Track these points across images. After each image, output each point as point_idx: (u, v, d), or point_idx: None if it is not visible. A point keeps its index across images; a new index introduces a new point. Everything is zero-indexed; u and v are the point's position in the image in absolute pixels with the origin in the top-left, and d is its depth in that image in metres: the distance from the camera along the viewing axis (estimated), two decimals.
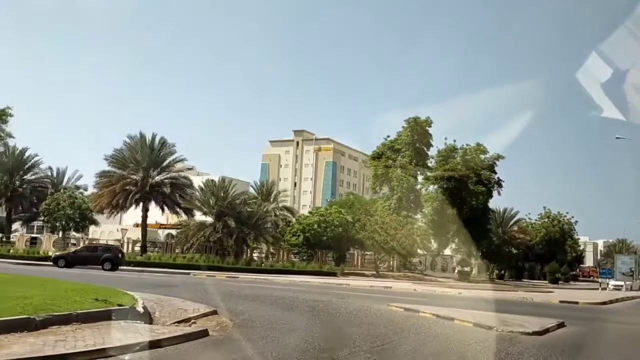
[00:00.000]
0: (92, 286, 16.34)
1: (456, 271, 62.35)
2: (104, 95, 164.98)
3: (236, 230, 47.95)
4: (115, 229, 65.12)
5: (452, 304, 20.65)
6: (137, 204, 51.24)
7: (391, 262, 59.41)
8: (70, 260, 38.24)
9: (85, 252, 39.98)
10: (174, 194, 51.58)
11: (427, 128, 60.77)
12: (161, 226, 63.62)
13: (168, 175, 53.30)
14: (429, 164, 63.89)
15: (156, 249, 53.92)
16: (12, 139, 71.62)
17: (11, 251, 44.92)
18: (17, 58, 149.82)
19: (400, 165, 59.43)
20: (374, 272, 53.11)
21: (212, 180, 51.36)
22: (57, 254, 41.63)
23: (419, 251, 58.75)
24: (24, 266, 34.54)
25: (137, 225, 63.78)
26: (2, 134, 71.34)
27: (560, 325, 15.73)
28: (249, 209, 49.59)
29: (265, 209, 51.31)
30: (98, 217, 58.88)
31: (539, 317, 16.99)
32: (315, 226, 50.70)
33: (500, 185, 66.91)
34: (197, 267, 42.62)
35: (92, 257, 38.50)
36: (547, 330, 14.41)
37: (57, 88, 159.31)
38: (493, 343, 12.35)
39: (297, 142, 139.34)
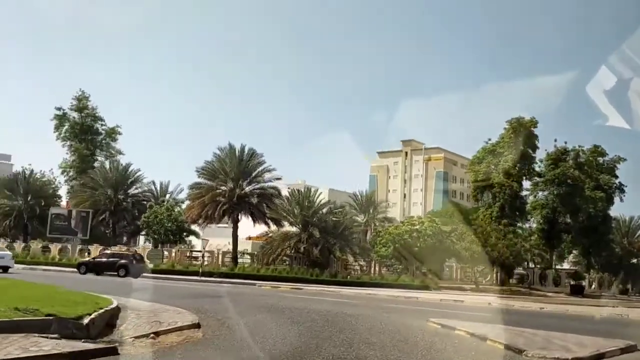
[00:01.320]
0: (63, 292, 15.21)
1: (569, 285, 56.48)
2: (197, 110, 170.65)
3: (321, 240, 46.26)
4: (227, 241, 65.37)
5: (511, 321, 17.40)
6: (226, 215, 51.04)
7: (493, 276, 54.86)
8: (90, 267, 39.64)
9: (103, 259, 40.83)
10: (261, 204, 50.90)
11: (532, 129, 55.85)
12: (250, 238, 63.32)
13: (257, 186, 52.83)
14: (537, 168, 58.84)
15: (246, 259, 53.32)
16: (122, 155, 75.85)
17: None
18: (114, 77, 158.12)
19: (503, 171, 54.97)
20: (473, 286, 49.15)
21: (298, 190, 50.03)
22: (80, 261, 43.09)
23: (528, 264, 54.05)
24: (72, 274, 35.02)
25: (249, 237, 64.14)
26: (112, 151, 75.58)
27: (629, 349, 12.24)
28: (334, 219, 47.72)
29: (350, 218, 49.03)
30: (206, 229, 59.47)
31: (610, 339, 13.48)
32: (406, 236, 47.78)
33: (622, 191, 60.40)
34: (279, 279, 41.57)
35: (109, 263, 39.28)
36: (600, 356, 11.14)
37: (155, 105, 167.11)
38: None
39: (406, 152, 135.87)
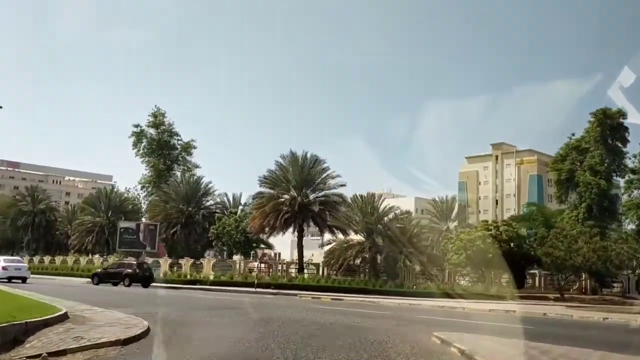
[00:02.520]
0: (21, 301, 13.92)
1: None
2: (261, 118, 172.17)
3: (384, 248, 43.65)
4: (311, 252, 64.10)
5: (547, 334, 14.36)
6: (289, 225, 49.52)
7: (583, 283, 49.69)
8: (101, 277, 41.43)
9: (112, 270, 42.45)
10: (324, 212, 48.97)
11: (620, 120, 50.36)
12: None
13: (321, 194, 51.07)
14: (630, 164, 53.09)
15: (311, 270, 51.43)
16: (199, 168, 76.73)
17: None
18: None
19: (589, 168, 49.90)
20: (558, 295, 44.54)
21: (361, 196, 47.57)
22: (94, 271, 45.09)
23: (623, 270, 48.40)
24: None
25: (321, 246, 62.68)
26: (189, 165, 76.60)
27: None
28: (398, 225, 44.95)
29: (418, 224, 45.97)
30: (285, 240, 58.35)
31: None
32: (478, 242, 44.08)
33: None
34: (337, 290, 39.46)
35: (117, 273, 40.65)
36: None
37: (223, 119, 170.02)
38: None
39: (496, 157, 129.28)
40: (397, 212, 46.78)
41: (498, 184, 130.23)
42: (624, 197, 55.29)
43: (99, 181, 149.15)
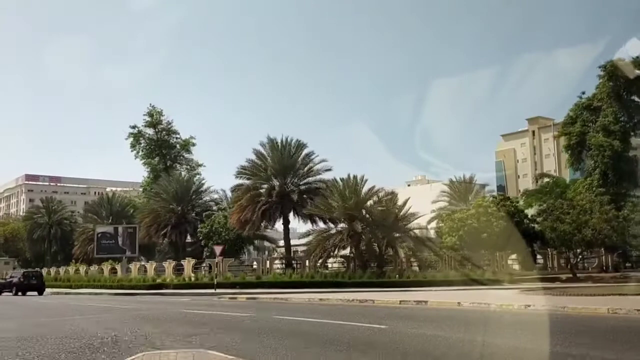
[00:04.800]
0: None
1: None
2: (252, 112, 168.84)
3: (366, 236, 39.09)
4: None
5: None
6: (267, 217, 45.49)
7: (603, 260, 43.66)
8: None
9: (2, 280, 44.72)
10: (305, 201, 44.72)
11: (636, 71, 44.06)
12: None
13: (305, 181, 46.93)
14: None
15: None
16: (202, 167, 73.65)
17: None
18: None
19: (602, 128, 43.89)
20: (570, 275, 38.90)
21: (341, 179, 43.03)
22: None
23: None
24: None
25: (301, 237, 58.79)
26: (191, 164, 73.58)
27: None
28: (379, 208, 40.28)
29: (403, 205, 40.99)
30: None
31: None
32: (470, 221, 39.01)
33: None
34: (308, 285, 35.31)
35: (6, 284, 41.80)
36: None
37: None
38: None
39: (533, 132, 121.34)
40: (380, 194, 41.86)
41: (537, 161, 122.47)
42: None
43: (137, 188, 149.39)
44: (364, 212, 40.96)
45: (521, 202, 48.57)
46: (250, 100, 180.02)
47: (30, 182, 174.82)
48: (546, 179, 56.77)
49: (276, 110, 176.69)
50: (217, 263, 40.02)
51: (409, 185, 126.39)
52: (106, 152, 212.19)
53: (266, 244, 59.40)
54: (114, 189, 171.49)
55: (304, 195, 45.48)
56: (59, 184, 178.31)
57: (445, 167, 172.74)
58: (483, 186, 73.95)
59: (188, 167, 72.08)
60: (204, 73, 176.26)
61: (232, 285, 36.96)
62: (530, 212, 44.85)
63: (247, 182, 46.80)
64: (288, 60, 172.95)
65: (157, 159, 70.03)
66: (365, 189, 41.78)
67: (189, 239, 59.68)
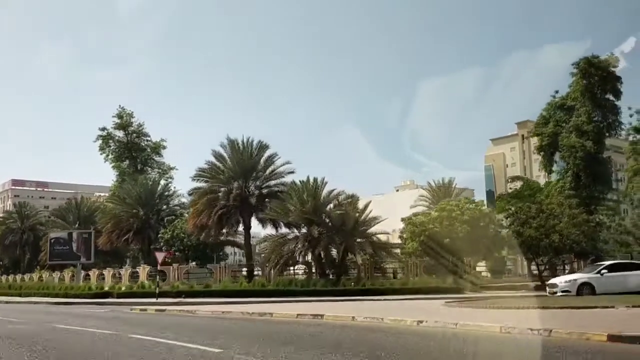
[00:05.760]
0: None
1: None
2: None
3: (323, 240, 36.93)
4: None
5: None
6: (224, 222, 43.29)
7: (575, 266, 41.50)
8: None
9: None
10: (265, 205, 42.56)
11: (610, 69, 42.08)
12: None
13: (266, 184, 44.83)
14: (634, 122, 44.67)
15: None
16: (174, 170, 71.40)
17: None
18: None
19: (575, 128, 41.85)
20: (539, 283, 36.77)
21: (301, 181, 40.95)
22: None
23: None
24: None
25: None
26: (163, 168, 71.37)
27: None
28: (338, 212, 38.20)
29: (364, 209, 38.92)
30: None
31: None
32: (431, 225, 36.92)
33: None
34: (255, 294, 33.35)
35: None
36: None
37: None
38: None
39: (522, 136, 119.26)
40: (340, 197, 39.76)
41: (527, 165, 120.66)
42: (629, 162, 46.71)
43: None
44: (323, 216, 38.94)
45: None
46: (234, 103, 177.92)
47: (16, 187, 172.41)
48: (520, 183, 54.47)
49: (261, 112, 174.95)
50: (160, 271, 37.81)
51: (397, 190, 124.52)
52: (93, 157, 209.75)
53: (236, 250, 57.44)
54: (101, 194, 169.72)
55: (266, 199, 43.38)
56: (45, 189, 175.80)
57: (439, 168, 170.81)
58: (463, 189, 72.19)
59: (160, 170, 69.97)
60: (190, 76, 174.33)
61: (178, 294, 34.81)
62: (501, 216, 42.90)
63: (204, 185, 44.61)
64: (275, 63, 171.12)
65: (127, 162, 67.96)
66: (325, 192, 39.83)
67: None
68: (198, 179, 44.97)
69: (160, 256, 36.25)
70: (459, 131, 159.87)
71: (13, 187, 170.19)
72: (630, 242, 37.51)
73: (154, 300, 32.95)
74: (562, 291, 26.76)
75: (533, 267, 40.44)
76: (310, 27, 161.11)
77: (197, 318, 21.53)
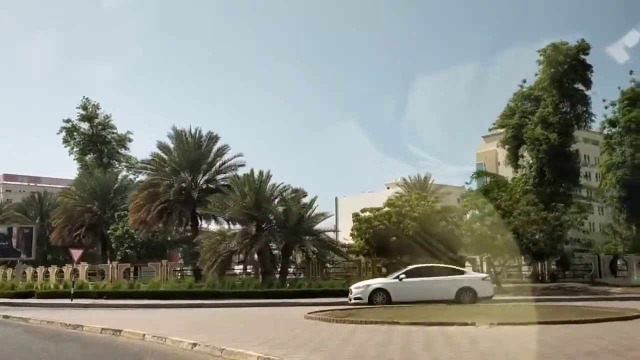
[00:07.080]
0: None
1: None
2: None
3: (261, 238, 34.22)
4: None
5: None
6: (164, 217, 40.71)
7: (539, 267, 38.65)
8: None
9: None
10: (207, 200, 39.88)
11: (580, 57, 39.11)
12: None
13: (215, 178, 42.32)
14: (609, 115, 41.78)
15: None
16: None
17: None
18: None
19: (541, 120, 38.95)
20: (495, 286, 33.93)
21: (244, 174, 38.29)
22: None
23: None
24: None
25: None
26: (131, 162, 68.79)
27: None
28: (280, 207, 35.52)
29: (310, 204, 36.14)
30: None
31: None
32: (377, 222, 34.14)
33: None
34: (187, 296, 30.98)
35: None
36: None
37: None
38: None
39: None
40: (285, 192, 37.02)
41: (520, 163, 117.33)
42: (604, 157, 43.79)
43: None
44: (267, 212, 36.22)
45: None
46: (218, 98, 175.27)
47: (8, 182, 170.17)
48: (488, 179, 51.57)
49: (255, 109, 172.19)
50: (74, 269, 35.20)
51: (388, 188, 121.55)
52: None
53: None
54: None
55: (211, 194, 40.73)
56: (38, 184, 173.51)
57: (438, 162, 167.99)
58: (441, 186, 69.53)
59: (127, 164, 67.46)
60: (182, 70, 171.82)
61: (99, 295, 32.25)
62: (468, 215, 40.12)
63: (145, 178, 42.12)
64: (270, 59, 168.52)
65: (91, 155, 65.52)
66: (269, 186, 37.12)
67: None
68: (141, 172, 42.49)
69: (76, 254, 33.64)
70: (457, 125, 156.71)
71: (5, 182, 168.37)
72: (594, 242, 34.69)
73: (68, 301, 30.46)
74: (355, 298, 23.94)
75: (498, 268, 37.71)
76: (303, 22, 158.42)
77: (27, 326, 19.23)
